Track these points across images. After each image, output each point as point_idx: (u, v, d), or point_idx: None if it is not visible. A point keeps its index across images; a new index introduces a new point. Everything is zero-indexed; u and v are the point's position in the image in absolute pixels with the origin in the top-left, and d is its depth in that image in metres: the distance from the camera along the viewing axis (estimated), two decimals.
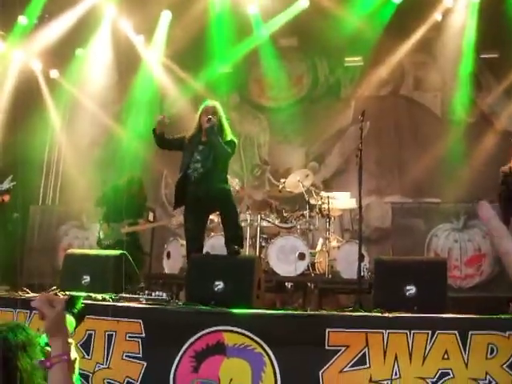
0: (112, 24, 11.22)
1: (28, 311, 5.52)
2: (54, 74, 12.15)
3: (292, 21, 10.73)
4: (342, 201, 9.28)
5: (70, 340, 2.15)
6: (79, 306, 2.44)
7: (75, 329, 2.38)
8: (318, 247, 9.17)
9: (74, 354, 2.11)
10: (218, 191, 6.61)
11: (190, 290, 6.30)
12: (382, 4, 10.30)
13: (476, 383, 4.58)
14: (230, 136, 6.81)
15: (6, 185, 8.11)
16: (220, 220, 7.43)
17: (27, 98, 11.53)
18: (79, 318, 2.42)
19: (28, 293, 6.37)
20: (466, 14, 10.34)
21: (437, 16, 10.47)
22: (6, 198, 8.32)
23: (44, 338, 2.13)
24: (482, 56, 10.83)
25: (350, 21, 10.28)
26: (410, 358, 4.70)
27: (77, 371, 2.12)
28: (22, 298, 5.92)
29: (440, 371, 4.61)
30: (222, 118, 6.84)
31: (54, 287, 6.60)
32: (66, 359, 2.07)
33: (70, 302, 2.44)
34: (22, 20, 10.58)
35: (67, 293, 5.74)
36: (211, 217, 8.22)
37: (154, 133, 6.85)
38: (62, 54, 11.65)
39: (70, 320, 2.37)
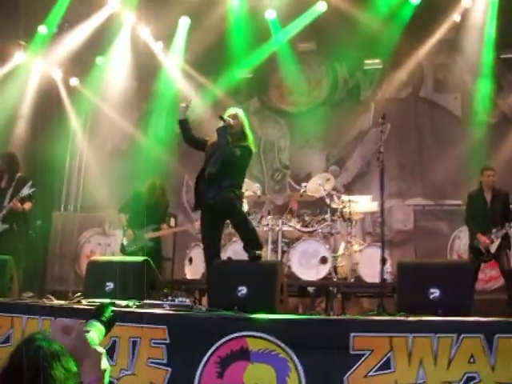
0: (131, 31, 11.30)
1: (53, 318, 5.55)
2: (74, 82, 12.26)
3: (310, 25, 10.73)
4: (363, 204, 9.24)
5: (101, 349, 2.16)
6: (109, 313, 2.46)
7: (105, 336, 2.41)
8: (340, 251, 9.15)
9: (104, 364, 2.12)
10: (221, 199, 6.39)
11: (212, 296, 6.30)
12: (400, 6, 10.26)
13: None
14: (249, 143, 6.64)
15: (26, 191, 8.08)
16: None
17: (48, 107, 11.67)
18: (109, 326, 2.44)
19: (52, 300, 6.42)
20: (485, 14, 10.26)
21: (455, 17, 10.40)
22: (28, 205, 8.29)
23: None
24: (502, 56, 10.76)
25: (368, 23, 10.25)
26: (436, 362, 4.63)
27: (106, 381, 2.13)
28: (46, 305, 5.97)
29: (466, 375, 4.54)
30: (245, 125, 6.69)
31: (78, 294, 6.66)
32: None
33: (100, 310, 2.46)
34: (42, 29, 10.68)
35: (95, 300, 5.79)
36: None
37: (180, 123, 6.73)
38: (81, 62, 11.76)
39: (100, 328, 2.39)
